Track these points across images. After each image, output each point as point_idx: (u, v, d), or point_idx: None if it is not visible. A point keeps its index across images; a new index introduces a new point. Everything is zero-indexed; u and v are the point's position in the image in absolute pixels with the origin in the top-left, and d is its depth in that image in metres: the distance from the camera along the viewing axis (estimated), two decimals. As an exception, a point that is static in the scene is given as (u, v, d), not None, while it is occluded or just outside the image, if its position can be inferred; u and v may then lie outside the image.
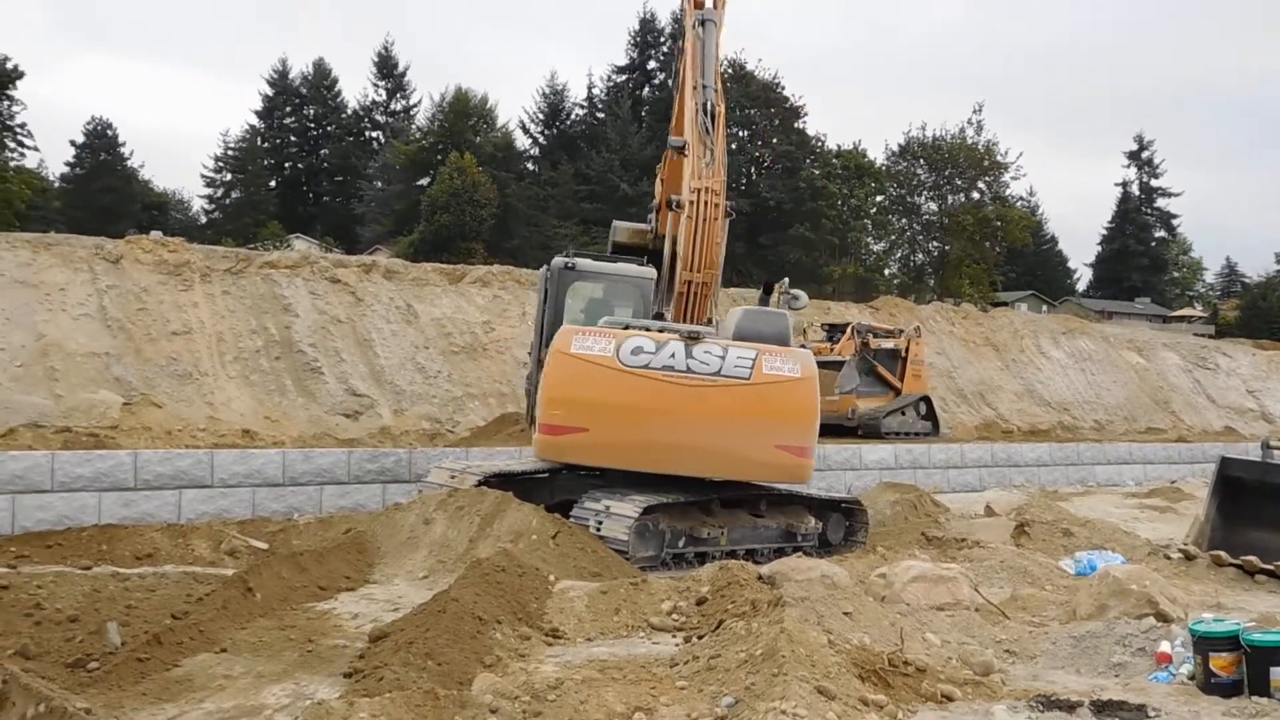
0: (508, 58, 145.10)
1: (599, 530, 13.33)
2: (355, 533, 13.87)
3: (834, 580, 10.32)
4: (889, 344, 29.02)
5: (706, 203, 14.92)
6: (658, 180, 17.61)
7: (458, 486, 14.51)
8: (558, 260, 15.80)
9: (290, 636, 9.71)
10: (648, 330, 14.15)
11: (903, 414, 28.39)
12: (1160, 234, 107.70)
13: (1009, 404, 33.46)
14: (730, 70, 70.52)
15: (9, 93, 60.94)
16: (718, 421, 14.03)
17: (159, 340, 19.82)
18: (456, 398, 22.46)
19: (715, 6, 17.45)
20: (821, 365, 26.05)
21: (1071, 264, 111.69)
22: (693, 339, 14.06)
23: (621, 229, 17.90)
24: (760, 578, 10.30)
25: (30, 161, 64.18)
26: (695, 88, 16.31)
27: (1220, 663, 8.04)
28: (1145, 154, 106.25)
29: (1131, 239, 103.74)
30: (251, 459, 16.75)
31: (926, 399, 29.29)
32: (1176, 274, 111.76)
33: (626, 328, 14.17)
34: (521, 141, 75.51)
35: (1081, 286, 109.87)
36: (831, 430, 25.36)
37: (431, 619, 8.87)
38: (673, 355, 13.92)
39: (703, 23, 17.15)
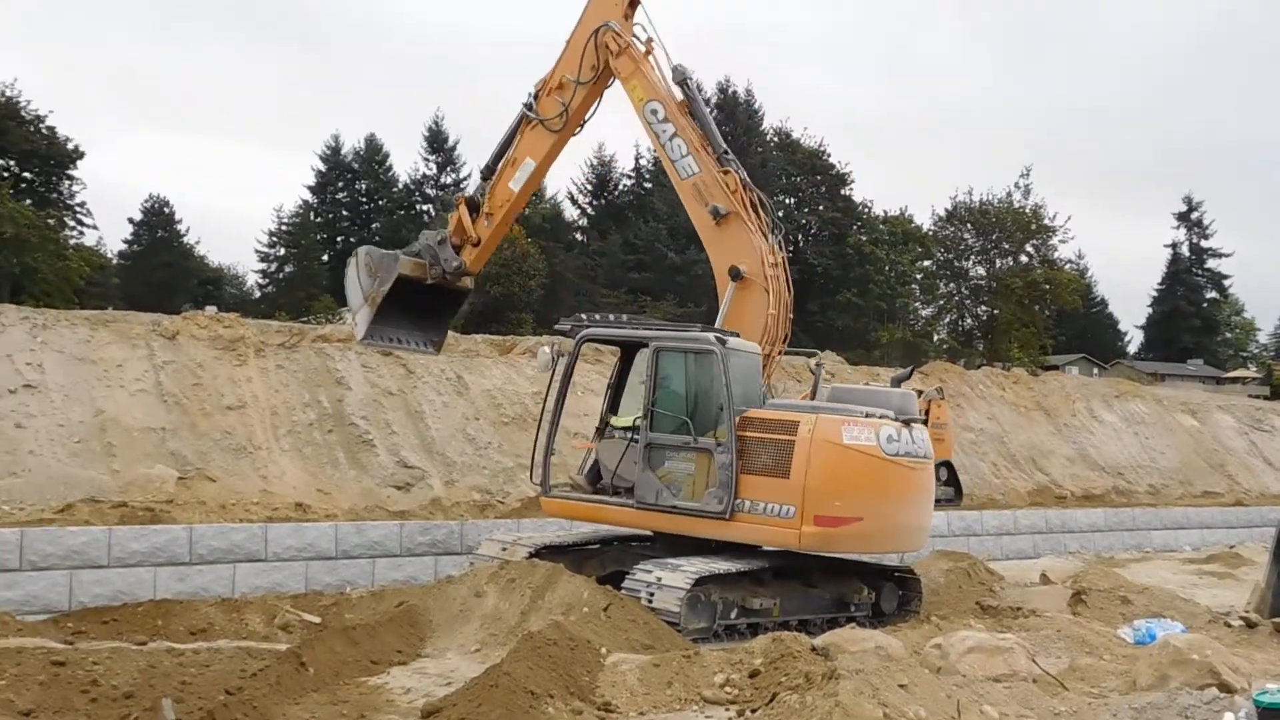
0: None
1: (650, 602, 13.30)
2: (407, 606, 13.92)
3: (888, 651, 10.25)
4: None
5: (778, 278, 15.73)
6: (481, 218, 18.40)
7: (509, 559, 14.56)
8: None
9: (343, 712, 9.74)
10: (884, 416, 15.05)
11: None
12: (1211, 295, 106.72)
13: (1062, 469, 33.10)
14: (776, 139, 70.98)
15: (69, 172, 62.27)
16: (929, 499, 15.85)
17: (214, 414, 20.03)
18: (507, 468, 22.50)
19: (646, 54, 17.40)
20: None
21: (1122, 326, 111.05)
22: (907, 423, 15.33)
23: (406, 261, 18.75)
24: (814, 649, 10.25)
25: (89, 239, 65.43)
26: (702, 151, 16.90)
27: (1285, 734, 7.91)
28: (1194, 215, 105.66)
29: (1182, 300, 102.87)
30: (305, 532, 16.87)
31: (948, 464, 28.72)
32: (1229, 335, 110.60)
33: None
34: (570, 212, 76.26)
35: (1133, 349, 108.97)
36: None
37: (484, 694, 8.88)
38: (911, 440, 15.06)
39: (684, 83, 17.45)
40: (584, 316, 17.40)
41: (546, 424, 17.11)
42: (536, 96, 17.46)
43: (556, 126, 17.40)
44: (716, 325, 15.93)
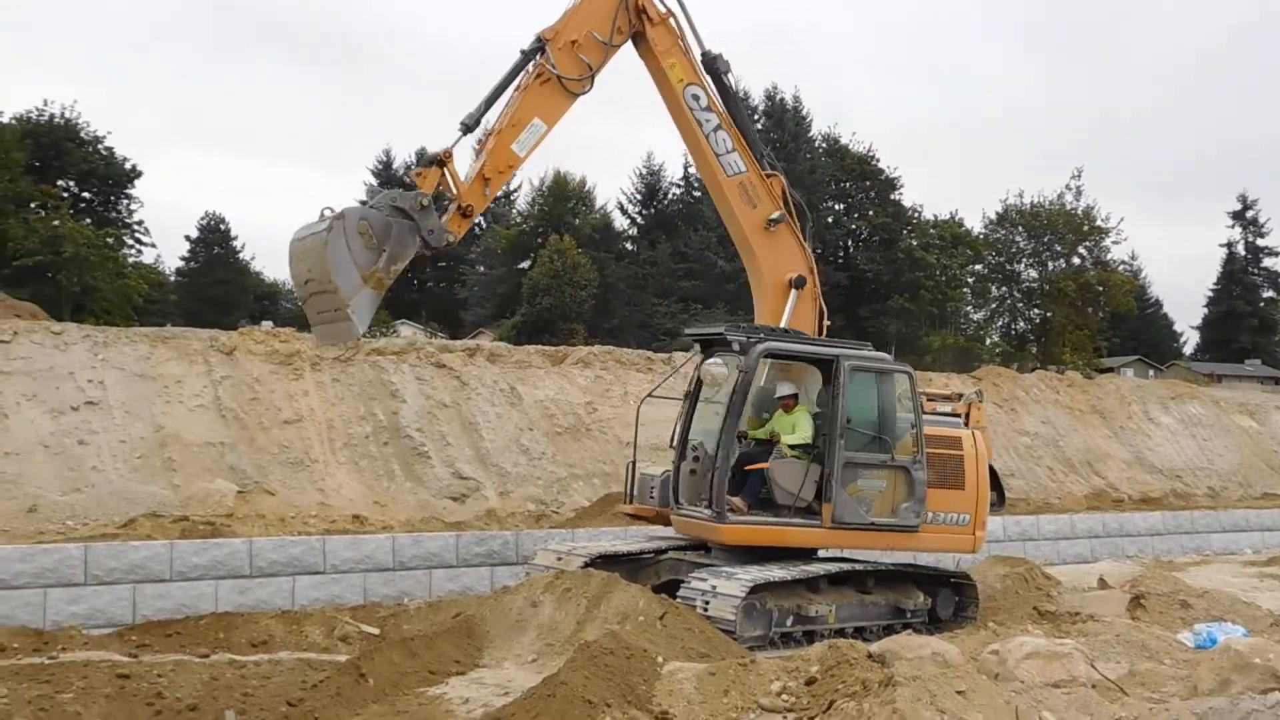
0: (605, 140, 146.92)
1: (706, 610, 13.33)
2: (464, 616, 14.01)
3: (945, 658, 10.22)
4: (946, 409, 28.22)
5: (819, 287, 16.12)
6: (476, 182, 14.63)
7: (564, 568, 14.61)
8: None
9: (404, 722, 9.83)
10: None
11: None
12: (1269, 294, 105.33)
13: (1118, 472, 32.79)
14: (825, 145, 70.81)
15: (127, 191, 63.18)
16: None
17: (271, 429, 20.26)
18: (561, 479, 22.59)
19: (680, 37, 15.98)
20: None
21: (1178, 327, 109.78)
22: None
23: None
24: (870, 656, 10.23)
25: (147, 257, 66.32)
26: (747, 150, 16.27)
27: (1348, 739, 7.83)
28: (1250, 213, 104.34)
29: (1239, 300, 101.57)
30: (362, 544, 17.03)
31: (990, 468, 28.46)
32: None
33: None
34: (620, 222, 76.43)
35: (1189, 350, 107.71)
36: None
37: (541, 704, 8.94)
38: None
39: (713, 61, 16.20)
40: (744, 327, 15.80)
41: (711, 447, 15.54)
42: (544, 47, 14.70)
43: (579, 89, 15.00)
44: None
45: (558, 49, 14.66)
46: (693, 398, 16.05)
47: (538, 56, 14.64)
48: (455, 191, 14.19)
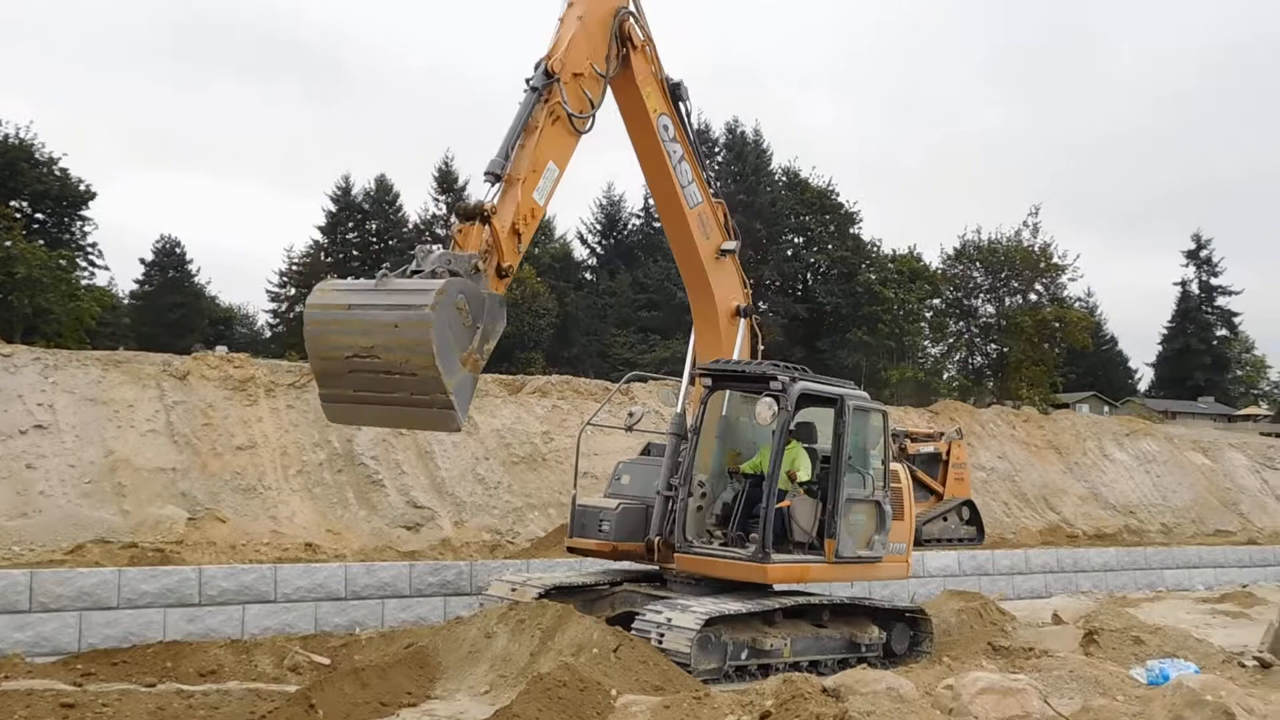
0: (565, 169, 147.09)
1: (661, 643, 13.26)
2: (417, 647, 13.88)
3: (900, 693, 10.19)
4: (929, 448, 28.27)
5: None
6: (509, 236, 12.93)
7: (519, 599, 14.51)
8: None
9: (353, 754, 9.70)
10: None
11: (944, 520, 27.68)
12: (1222, 332, 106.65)
13: (1073, 507, 32.99)
14: (785, 178, 71.26)
15: (81, 213, 62.67)
16: None
17: (224, 455, 20.07)
18: (517, 508, 22.49)
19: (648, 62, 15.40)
20: None
21: (1132, 364, 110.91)
22: None
23: None
24: (825, 691, 10.18)
25: (100, 279, 65.76)
26: (701, 180, 16.46)
27: (1300, 777, 7.85)
28: (1204, 252, 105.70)
29: (1193, 338, 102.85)
30: (314, 573, 16.85)
31: (970, 503, 28.43)
32: (1240, 372, 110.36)
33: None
34: (579, 252, 76.53)
35: (1143, 386, 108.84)
36: None
37: (494, 736, 8.85)
38: None
39: (675, 89, 16.00)
40: (785, 365, 15.62)
41: (716, 484, 15.68)
42: (554, 81, 13.47)
43: (583, 127, 14.02)
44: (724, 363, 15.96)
45: (566, 83, 13.58)
46: (694, 433, 15.49)
47: (544, 91, 13.39)
48: (500, 251, 12.52)
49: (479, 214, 12.31)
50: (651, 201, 73.79)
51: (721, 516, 15.49)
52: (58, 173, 60.74)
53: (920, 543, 26.35)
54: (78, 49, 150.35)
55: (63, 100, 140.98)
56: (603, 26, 14.32)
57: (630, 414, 16.87)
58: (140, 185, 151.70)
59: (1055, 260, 67.21)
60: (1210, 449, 40.25)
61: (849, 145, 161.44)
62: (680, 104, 16.14)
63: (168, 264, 78.36)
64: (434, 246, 12.51)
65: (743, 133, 73.40)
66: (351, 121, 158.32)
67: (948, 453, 28.84)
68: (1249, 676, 13.26)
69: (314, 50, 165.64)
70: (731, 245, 16.35)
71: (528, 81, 13.40)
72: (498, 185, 12.90)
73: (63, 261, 55.63)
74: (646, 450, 16.74)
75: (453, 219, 12.63)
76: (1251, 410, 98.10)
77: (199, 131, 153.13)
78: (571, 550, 16.20)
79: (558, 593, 14.90)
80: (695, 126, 16.48)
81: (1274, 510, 38.37)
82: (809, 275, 70.22)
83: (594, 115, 14.20)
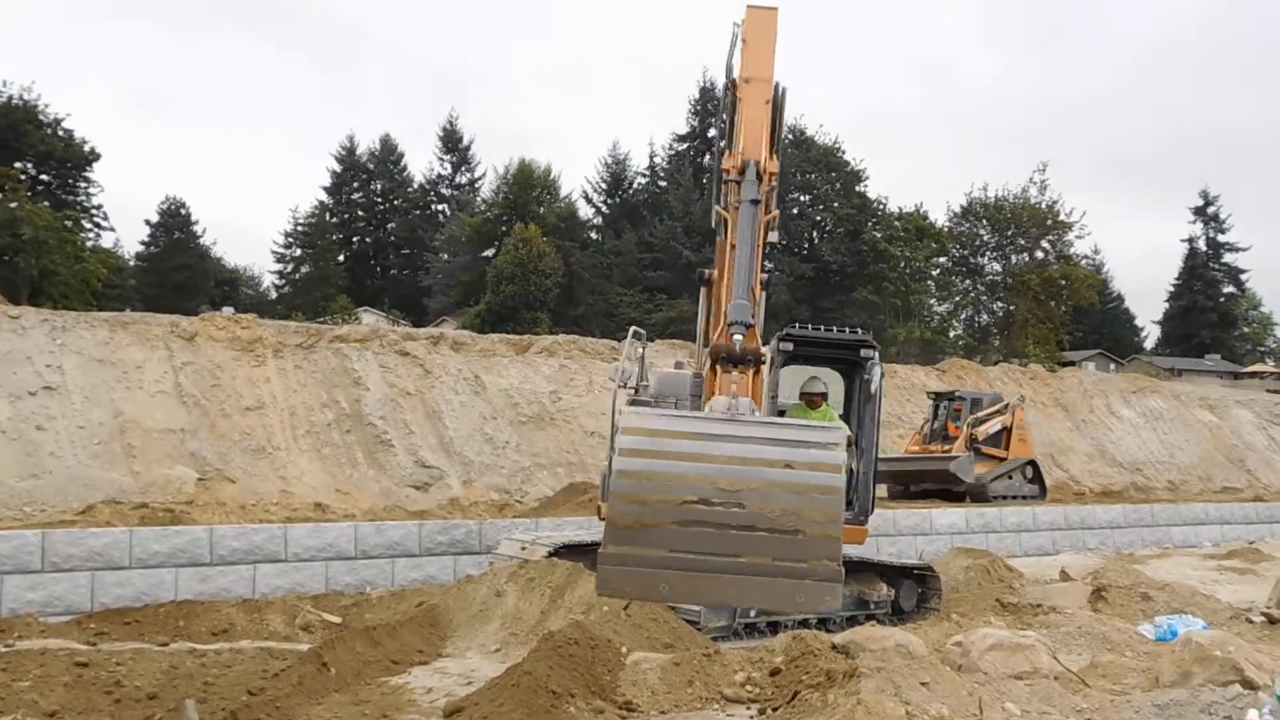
0: (570, 129, 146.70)
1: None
2: (427, 606, 13.94)
3: (909, 649, 10.21)
4: (995, 426, 29.03)
5: None
6: None
7: (529, 558, 14.55)
8: None
9: (365, 712, 9.76)
10: None
11: (1009, 478, 28.60)
12: (1229, 289, 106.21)
13: (1080, 465, 33.04)
14: (791, 136, 70.92)
15: (86, 175, 62.51)
16: None
17: (233, 415, 20.10)
18: (525, 468, 22.54)
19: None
20: (936, 459, 27.44)
21: (1139, 321, 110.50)
22: None
23: None
24: (834, 647, 10.23)
25: (106, 241, 65.65)
26: None
27: (1309, 732, 7.87)
28: (1211, 209, 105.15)
29: (1200, 295, 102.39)
30: (324, 532, 16.91)
31: (1033, 463, 29.41)
32: (1246, 329, 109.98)
33: None
34: (585, 211, 76.17)
35: (1150, 344, 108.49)
36: (940, 494, 26.96)
37: (505, 693, 8.89)
38: None
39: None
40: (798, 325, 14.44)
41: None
42: (769, 187, 10.91)
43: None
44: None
45: (775, 186, 11.29)
46: (771, 399, 15.14)
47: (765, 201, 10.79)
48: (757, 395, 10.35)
49: (755, 359, 9.43)
50: (658, 160, 73.79)
51: None
52: (62, 134, 60.55)
53: (987, 499, 27.10)
54: (77, 7, 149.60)
55: (62, 61, 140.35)
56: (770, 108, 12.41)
57: (620, 370, 16.51)
58: (145, 146, 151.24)
59: (1062, 218, 66.95)
60: (1217, 406, 40.24)
61: (852, 102, 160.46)
62: None
63: (173, 225, 78.11)
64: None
65: (748, 91, 72.88)
66: (355, 82, 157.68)
67: (1012, 417, 29.87)
68: (1256, 632, 13.31)
69: (315, 8, 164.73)
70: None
71: (729, 182, 10.69)
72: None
73: (68, 223, 55.51)
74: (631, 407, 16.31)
75: (704, 358, 9.70)
76: (1258, 367, 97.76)
77: (201, 94, 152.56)
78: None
79: (567, 551, 14.94)
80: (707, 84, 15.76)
81: (1281, 467, 38.40)
82: (815, 233, 69.91)
83: None
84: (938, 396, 30.45)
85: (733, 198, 10.25)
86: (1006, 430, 28.99)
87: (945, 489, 27.18)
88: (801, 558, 7.49)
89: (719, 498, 7.48)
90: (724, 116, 12.06)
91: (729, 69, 11.80)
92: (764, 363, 9.83)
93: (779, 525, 7.45)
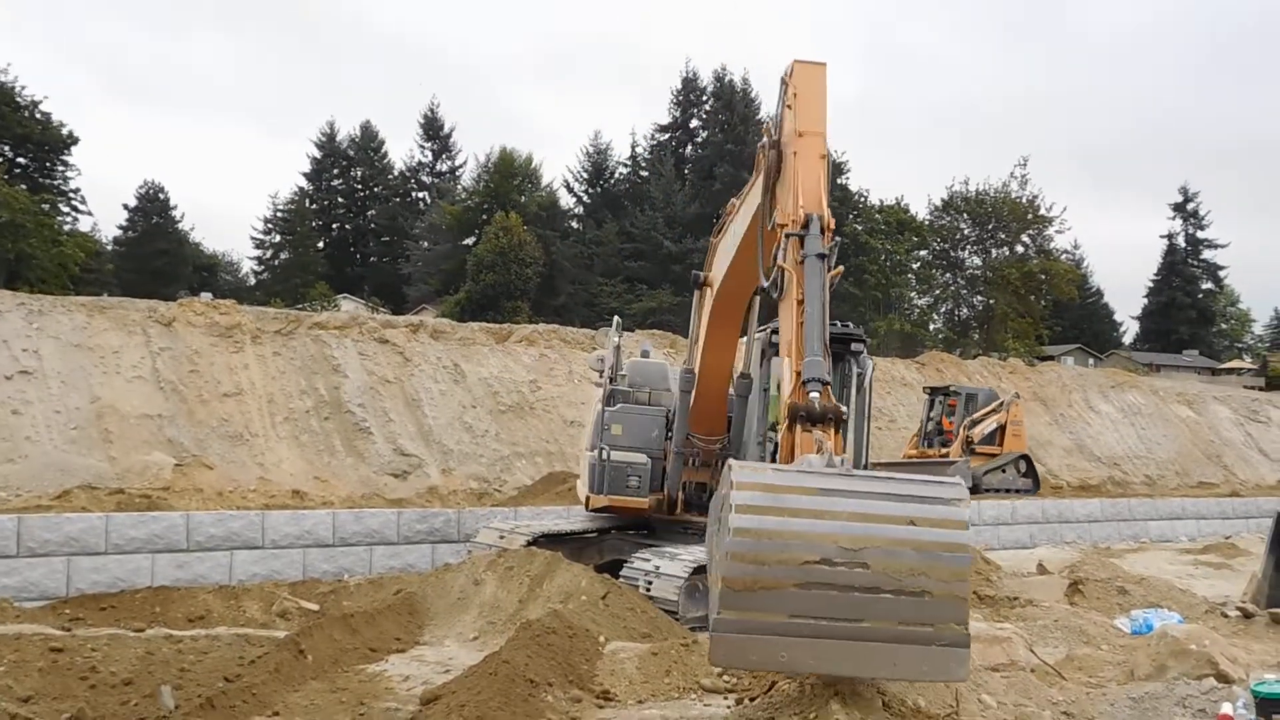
0: (551, 118, 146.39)
1: (649, 591, 13.30)
2: (405, 594, 13.91)
3: (886, 641, 10.20)
4: (991, 425, 29.39)
5: None
6: None
7: (507, 547, 14.54)
8: None
9: (342, 699, 9.73)
10: None
11: (1003, 471, 28.91)
12: (1207, 286, 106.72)
13: (1058, 459, 33.16)
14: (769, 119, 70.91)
15: (64, 158, 62.11)
16: None
17: (211, 402, 20.02)
18: (504, 457, 22.51)
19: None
20: (932, 464, 27.51)
21: (1118, 316, 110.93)
22: None
23: None
24: (812, 639, 10.20)
25: (84, 225, 65.25)
26: None
27: (1284, 725, 7.91)
28: (1190, 205, 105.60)
29: (1178, 291, 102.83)
30: (302, 520, 16.86)
31: (1026, 457, 29.72)
32: (1224, 326, 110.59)
33: None
34: (566, 200, 76.03)
35: (1128, 339, 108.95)
36: None
37: (483, 681, 8.87)
38: None
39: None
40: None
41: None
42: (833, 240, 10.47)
43: None
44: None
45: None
46: (765, 390, 15.03)
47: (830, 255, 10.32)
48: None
49: (836, 418, 8.95)
50: (640, 150, 73.66)
51: None
52: (39, 116, 60.13)
53: (980, 492, 27.33)
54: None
55: (38, 44, 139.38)
56: None
57: (601, 359, 16.51)
58: (121, 131, 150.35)
59: (1042, 212, 67.21)
60: (1195, 402, 40.44)
61: (833, 93, 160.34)
62: None
63: (151, 210, 77.61)
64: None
65: (731, 81, 72.99)
66: (336, 67, 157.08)
67: (1008, 412, 30.25)
68: (1231, 626, 13.36)
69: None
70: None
71: (791, 237, 10.10)
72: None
73: (45, 207, 55.18)
74: (611, 398, 16.35)
75: (789, 424, 8.26)
76: (1235, 364, 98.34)
77: (180, 78, 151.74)
78: (598, 509, 15.92)
79: (546, 540, 14.93)
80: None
81: (1257, 463, 38.63)
82: (796, 226, 69.93)
83: None
84: (933, 392, 30.73)
85: (794, 254, 9.88)
86: (1001, 428, 29.42)
87: None
88: (928, 621, 7.09)
89: (841, 557, 7.03)
90: (762, 170, 11.70)
91: (775, 126, 11.55)
92: (845, 420, 9.54)
93: (905, 586, 7.04)
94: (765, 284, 10.52)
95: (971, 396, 29.96)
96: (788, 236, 10.01)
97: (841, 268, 10.45)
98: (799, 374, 8.85)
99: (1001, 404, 29.91)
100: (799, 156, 10.82)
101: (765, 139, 11.50)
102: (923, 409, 30.93)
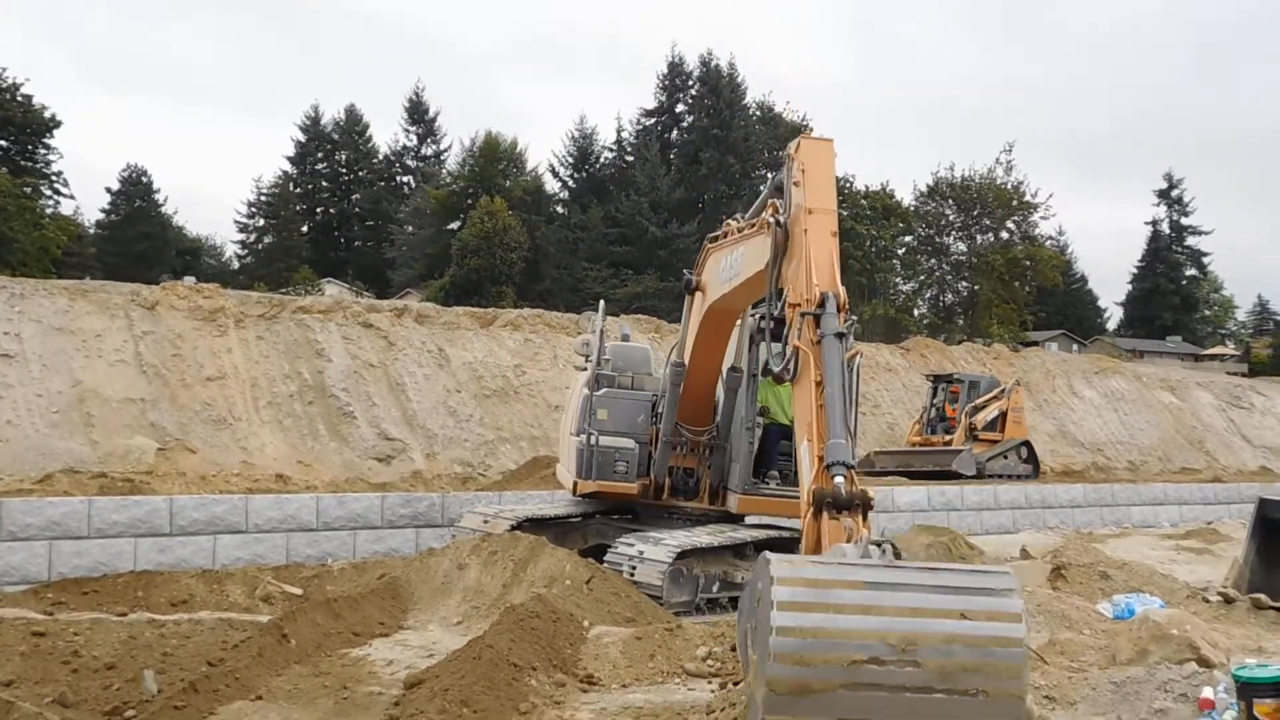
0: (537, 102, 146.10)
1: (633, 575, 13.30)
2: (389, 578, 13.89)
3: (870, 625, 10.21)
4: (993, 413, 29.95)
5: None
6: None
7: (491, 531, 14.52)
8: None
9: (325, 684, 9.70)
10: None
11: (1005, 458, 29.55)
12: (1191, 272, 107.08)
13: (1042, 445, 33.24)
14: (759, 113, 70.92)
15: (46, 141, 61.75)
16: None
17: (194, 386, 19.95)
18: (488, 441, 22.49)
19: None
20: (939, 454, 28.46)
21: (1102, 303, 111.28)
22: None
23: None
24: (795, 623, 10.20)
25: (66, 208, 64.91)
26: None
27: (1265, 709, 7.93)
28: (1175, 192, 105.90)
29: (1162, 277, 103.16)
30: (286, 504, 16.81)
31: (1027, 443, 30.27)
32: (1208, 312, 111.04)
33: None
34: (551, 185, 75.89)
35: (1112, 325, 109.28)
36: (937, 475, 27.79)
37: (466, 666, 8.85)
38: None
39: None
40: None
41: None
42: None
43: None
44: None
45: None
46: (753, 377, 15.12)
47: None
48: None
49: (863, 504, 8.51)
50: (625, 135, 73.51)
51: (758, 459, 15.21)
52: (20, 99, 59.76)
53: (983, 477, 27.75)
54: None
55: (15, 26, 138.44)
56: None
57: (587, 344, 16.42)
58: (105, 114, 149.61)
59: (1028, 199, 67.31)
60: (1178, 388, 40.58)
61: (820, 79, 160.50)
62: None
63: (134, 193, 77.27)
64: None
65: (717, 66, 72.91)
66: (321, 50, 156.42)
67: (1010, 399, 30.85)
68: (1213, 611, 13.41)
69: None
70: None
71: (807, 316, 9.77)
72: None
73: (27, 189, 54.87)
74: (597, 382, 16.29)
75: (813, 512, 7.74)
76: (1218, 350, 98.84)
77: (163, 59, 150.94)
78: (585, 496, 15.86)
79: (530, 525, 14.91)
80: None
81: (1239, 448, 38.79)
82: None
83: None
84: (936, 379, 31.19)
85: (810, 333, 9.56)
86: (1003, 415, 29.92)
87: (945, 471, 28.17)
88: (980, 718, 6.64)
89: (891, 655, 6.54)
90: (768, 246, 11.31)
91: (785, 207, 11.28)
92: (871, 507, 8.82)
93: (958, 685, 6.58)
94: (775, 369, 10.02)
95: (974, 384, 30.57)
96: (803, 315, 9.70)
97: (860, 348, 10.15)
98: (821, 458, 8.50)
99: (1003, 391, 30.41)
100: (810, 235, 10.58)
101: (770, 216, 11.29)
102: (926, 396, 31.37)
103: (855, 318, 10.22)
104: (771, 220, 11.13)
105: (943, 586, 6.81)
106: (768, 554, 7.03)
